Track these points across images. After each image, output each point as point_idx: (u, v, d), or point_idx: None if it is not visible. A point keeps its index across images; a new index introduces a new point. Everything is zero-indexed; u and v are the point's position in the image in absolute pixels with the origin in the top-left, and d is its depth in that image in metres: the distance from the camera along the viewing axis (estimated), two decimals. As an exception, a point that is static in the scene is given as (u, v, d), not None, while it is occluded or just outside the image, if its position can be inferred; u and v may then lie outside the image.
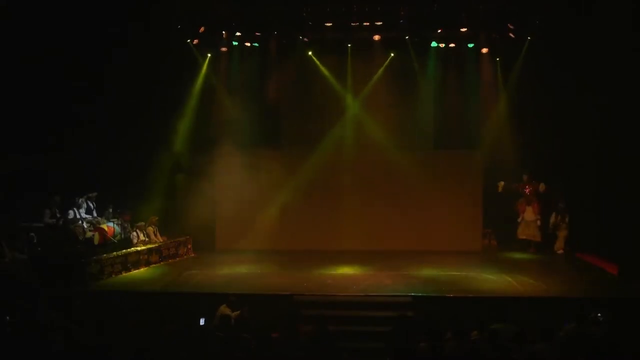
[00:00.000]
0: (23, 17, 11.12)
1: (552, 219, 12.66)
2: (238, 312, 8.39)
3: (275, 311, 8.62)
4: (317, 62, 13.11)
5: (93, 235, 10.89)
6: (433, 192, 13.10)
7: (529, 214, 12.76)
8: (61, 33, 11.35)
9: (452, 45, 12.82)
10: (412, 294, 9.40)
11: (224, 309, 8.62)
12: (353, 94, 13.29)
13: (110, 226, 11.30)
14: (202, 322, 8.06)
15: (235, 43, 12.90)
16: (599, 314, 7.70)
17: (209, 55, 13.19)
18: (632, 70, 10.45)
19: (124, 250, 11.14)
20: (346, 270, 11.30)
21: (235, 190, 13.26)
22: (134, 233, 11.85)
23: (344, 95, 13.30)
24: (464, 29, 12.25)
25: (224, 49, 12.99)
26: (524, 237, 12.90)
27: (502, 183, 12.89)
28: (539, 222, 12.69)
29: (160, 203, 12.62)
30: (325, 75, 13.12)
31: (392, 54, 13.07)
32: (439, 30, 12.44)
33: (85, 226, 11.07)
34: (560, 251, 12.62)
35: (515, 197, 12.97)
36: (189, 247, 12.65)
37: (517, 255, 12.44)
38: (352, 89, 13.29)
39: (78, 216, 11.23)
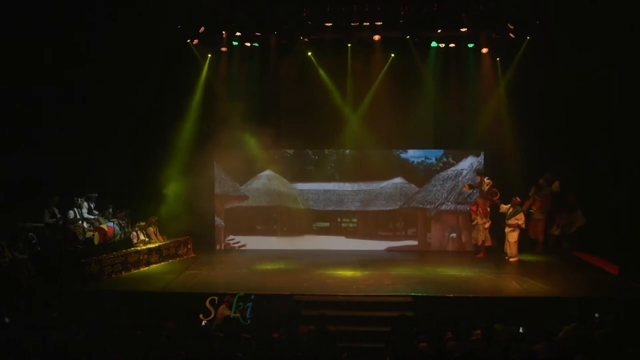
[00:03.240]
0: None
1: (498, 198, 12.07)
2: (237, 313, 8.41)
3: (275, 311, 8.64)
4: (317, 65, 13.09)
5: (93, 235, 10.89)
6: (433, 191, 13.14)
7: (478, 218, 12.38)
8: (61, 33, 11.37)
9: (452, 45, 12.80)
10: (412, 294, 9.41)
11: (223, 309, 8.64)
12: (353, 94, 13.26)
13: (110, 226, 11.29)
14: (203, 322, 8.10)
15: (235, 43, 12.89)
16: (599, 314, 7.72)
17: (209, 55, 13.18)
18: (632, 70, 10.45)
19: (124, 250, 11.15)
20: (346, 270, 11.28)
21: (235, 190, 13.31)
22: (134, 233, 11.86)
23: (344, 95, 13.28)
24: (464, 29, 12.24)
25: (224, 49, 12.98)
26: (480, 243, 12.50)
27: (465, 184, 12.61)
28: (487, 225, 12.33)
29: (160, 203, 12.61)
30: (324, 79, 13.10)
31: (392, 54, 13.05)
32: (439, 30, 12.41)
33: (86, 226, 11.07)
34: (513, 259, 11.89)
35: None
36: (189, 247, 12.64)
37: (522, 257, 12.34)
38: (352, 89, 13.27)
39: (78, 216, 11.23)
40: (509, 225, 11.99)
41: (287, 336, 6.97)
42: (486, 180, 12.25)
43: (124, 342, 6.65)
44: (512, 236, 11.96)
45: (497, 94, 13.02)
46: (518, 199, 12.00)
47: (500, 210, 12.29)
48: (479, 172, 12.62)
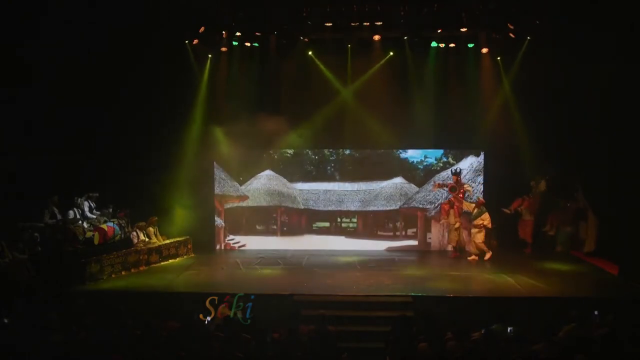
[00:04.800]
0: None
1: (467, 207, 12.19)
2: (237, 313, 8.42)
3: (275, 311, 8.64)
4: (318, 62, 13.09)
5: (93, 235, 10.88)
6: (433, 191, 13.16)
7: (451, 217, 12.37)
8: (62, 35, 11.36)
9: (452, 45, 12.80)
10: (412, 294, 9.41)
11: (223, 309, 8.65)
12: (353, 94, 13.27)
13: (110, 226, 11.28)
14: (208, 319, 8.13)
15: (235, 43, 12.88)
16: (599, 314, 7.71)
17: (210, 56, 13.17)
18: (633, 69, 10.44)
19: (124, 250, 11.15)
20: (346, 270, 11.28)
21: (235, 190, 13.31)
22: (134, 233, 11.86)
23: (344, 95, 13.28)
24: (464, 29, 12.24)
25: (224, 49, 12.98)
26: (454, 244, 12.51)
27: (435, 183, 12.80)
28: (457, 225, 12.32)
29: (160, 203, 12.61)
30: (326, 75, 13.09)
31: (391, 53, 13.05)
32: (439, 30, 12.42)
33: (86, 226, 11.07)
34: (471, 257, 11.94)
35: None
36: (189, 247, 12.64)
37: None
38: (352, 89, 13.27)
39: (78, 216, 11.23)
40: (475, 226, 12.02)
41: (287, 336, 6.97)
42: (466, 186, 12.43)
43: (124, 342, 6.65)
44: (478, 237, 11.97)
45: (497, 94, 13.00)
46: (482, 199, 12.10)
47: (464, 209, 12.34)
48: (454, 172, 12.60)
